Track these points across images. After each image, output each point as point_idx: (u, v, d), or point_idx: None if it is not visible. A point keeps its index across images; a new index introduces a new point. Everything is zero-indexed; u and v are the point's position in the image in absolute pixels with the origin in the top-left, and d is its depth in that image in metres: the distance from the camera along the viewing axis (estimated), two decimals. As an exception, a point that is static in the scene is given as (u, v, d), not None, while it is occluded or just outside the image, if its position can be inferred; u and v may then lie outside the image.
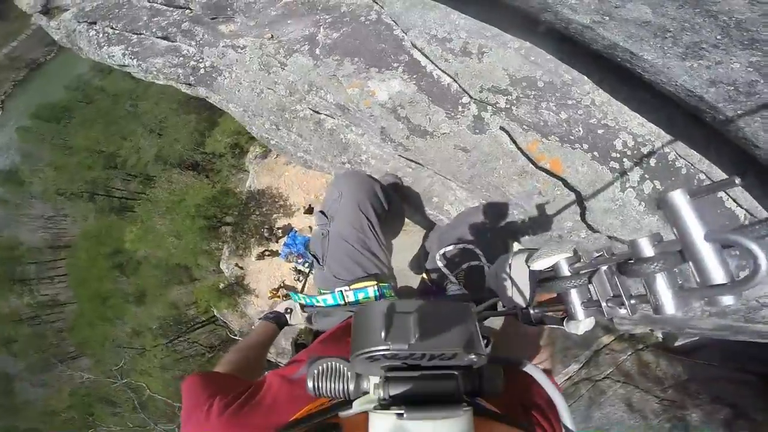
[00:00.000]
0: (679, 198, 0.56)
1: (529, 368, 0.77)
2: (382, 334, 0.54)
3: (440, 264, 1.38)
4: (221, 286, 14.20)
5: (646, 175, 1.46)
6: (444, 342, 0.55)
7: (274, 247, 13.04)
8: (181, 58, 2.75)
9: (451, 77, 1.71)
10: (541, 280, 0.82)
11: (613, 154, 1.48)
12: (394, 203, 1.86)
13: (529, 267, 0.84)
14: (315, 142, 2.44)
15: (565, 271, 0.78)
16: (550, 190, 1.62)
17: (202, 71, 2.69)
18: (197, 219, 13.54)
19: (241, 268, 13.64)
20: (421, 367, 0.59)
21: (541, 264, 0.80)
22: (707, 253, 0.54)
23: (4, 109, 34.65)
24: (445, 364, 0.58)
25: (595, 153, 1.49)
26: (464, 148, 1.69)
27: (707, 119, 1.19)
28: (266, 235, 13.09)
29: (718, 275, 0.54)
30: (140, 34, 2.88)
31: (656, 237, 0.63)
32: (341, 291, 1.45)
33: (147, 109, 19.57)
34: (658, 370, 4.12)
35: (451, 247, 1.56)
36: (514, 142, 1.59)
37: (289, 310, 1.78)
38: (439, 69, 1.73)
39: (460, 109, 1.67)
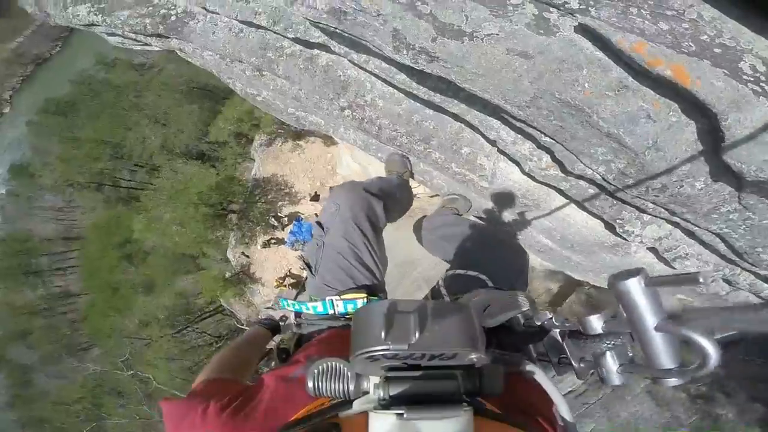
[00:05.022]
0: (633, 286, 0.55)
1: (528, 367, 0.76)
2: (383, 334, 0.54)
3: (441, 283, 1.36)
4: (227, 275, 14.12)
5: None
6: (444, 342, 0.55)
7: (279, 235, 12.88)
8: (150, 8, 2.48)
9: None
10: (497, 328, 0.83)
11: (744, 77, 1.11)
12: (399, 200, 1.86)
13: (483, 325, 0.83)
14: (306, 83, 2.09)
15: (520, 326, 0.81)
16: (662, 114, 1.21)
17: (173, 18, 2.40)
18: (200, 207, 13.40)
19: (247, 256, 13.59)
20: (422, 367, 0.59)
21: (492, 322, 0.82)
22: (657, 341, 0.55)
23: (13, 105, 34.89)
24: (446, 364, 0.58)
25: (725, 70, 1.11)
26: (524, 53, 1.26)
27: None
28: (272, 222, 12.97)
29: (666, 361, 0.55)
30: (106, -11, 2.62)
31: (608, 314, 0.64)
32: (331, 300, 1.44)
33: (150, 101, 19.91)
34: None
35: (461, 272, 1.51)
36: (604, 47, 1.21)
37: (284, 318, 1.79)
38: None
39: (510, 8, 1.27)
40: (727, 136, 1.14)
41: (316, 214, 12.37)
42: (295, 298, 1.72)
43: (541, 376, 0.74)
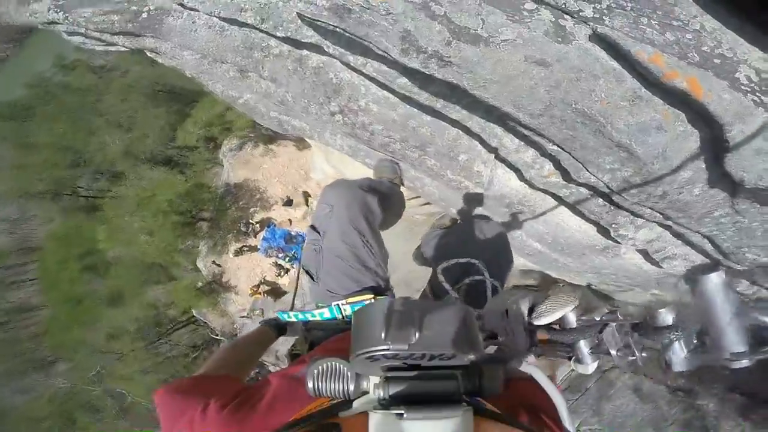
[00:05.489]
0: (716, 280, 0.58)
1: (528, 368, 0.77)
2: (383, 334, 0.54)
3: (441, 278, 1.34)
4: (199, 284, 13.72)
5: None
6: (444, 342, 0.55)
7: (252, 242, 12.67)
8: (120, 4, 2.34)
9: None
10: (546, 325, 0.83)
11: (742, 87, 1.16)
12: (392, 203, 1.83)
13: (532, 321, 0.83)
14: (294, 86, 2.01)
15: (573, 323, 0.80)
16: (671, 124, 1.25)
17: (145, 15, 2.26)
18: (170, 215, 12.97)
19: (219, 265, 13.27)
20: (421, 367, 0.59)
21: (546, 320, 0.81)
22: (731, 327, 0.57)
23: (-39, 109, 32.89)
24: (445, 364, 0.58)
25: (727, 81, 1.16)
26: (542, 61, 1.26)
27: None
28: (244, 230, 12.72)
29: (739, 345, 0.57)
30: (67, -16, 2.47)
31: (676, 306, 0.66)
32: (338, 305, 1.44)
33: (113, 104, 19.07)
34: (669, 358, 4.25)
35: (453, 261, 1.52)
36: (618, 56, 1.24)
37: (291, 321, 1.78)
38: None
39: (525, 14, 1.26)
40: (731, 146, 1.17)
41: (289, 220, 12.21)
42: (291, 308, 1.72)
43: (541, 377, 0.74)
